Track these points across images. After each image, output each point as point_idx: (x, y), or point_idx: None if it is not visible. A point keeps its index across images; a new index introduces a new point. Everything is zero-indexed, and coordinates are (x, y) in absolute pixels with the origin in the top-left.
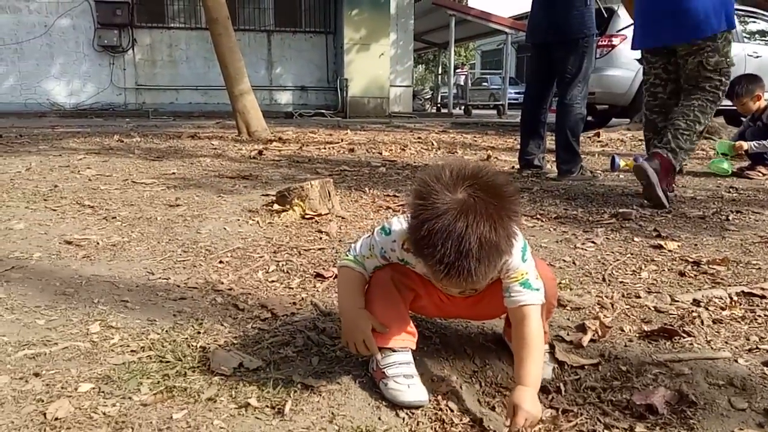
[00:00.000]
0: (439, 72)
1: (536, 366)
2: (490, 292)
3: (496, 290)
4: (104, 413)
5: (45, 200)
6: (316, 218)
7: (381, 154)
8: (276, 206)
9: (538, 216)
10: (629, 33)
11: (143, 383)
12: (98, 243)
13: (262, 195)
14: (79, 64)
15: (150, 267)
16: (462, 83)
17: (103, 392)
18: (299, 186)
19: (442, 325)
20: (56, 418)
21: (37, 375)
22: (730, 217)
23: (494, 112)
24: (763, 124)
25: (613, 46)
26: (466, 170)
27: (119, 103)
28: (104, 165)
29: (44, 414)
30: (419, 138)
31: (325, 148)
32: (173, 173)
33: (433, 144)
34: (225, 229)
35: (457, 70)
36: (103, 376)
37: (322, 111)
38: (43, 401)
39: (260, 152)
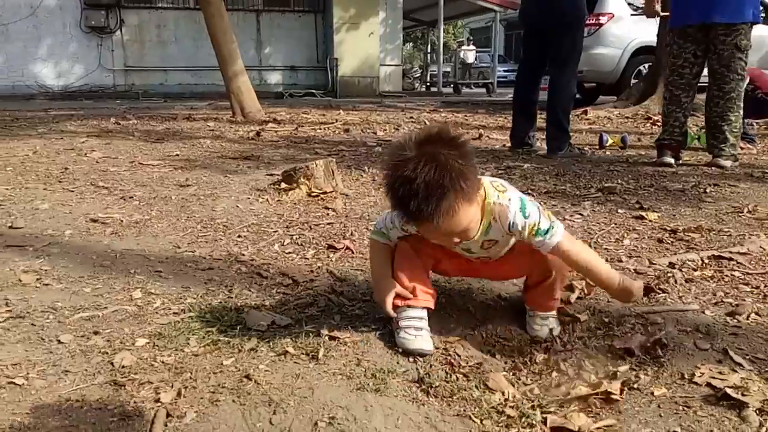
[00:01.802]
0: (428, 50)
1: (605, 268)
2: (507, 257)
3: (512, 255)
4: (163, 362)
5: (60, 182)
6: (322, 196)
7: (375, 133)
8: (283, 185)
9: (530, 191)
10: (616, 12)
11: (191, 338)
12: (122, 221)
13: (267, 174)
14: (67, 46)
15: (175, 241)
16: (470, 61)
17: (157, 346)
18: (305, 165)
19: (446, 287)
20: (123, 366)
21: (96, 333)
22: (708, 190)
23: (483, 90)
24: None
25: (601, 25)
26: (426, 132)
27: (108, 84)
28: (108, 147)
29: (111, 363)
30: (411, 117)
31: (320, 129)
32: (177, 155)
33: (426, 123)
34: (238, 206)
35: (462, 47)
36: (154, 333)
37: (312, 91)
38: (107, 353)
39: (258, 133)
